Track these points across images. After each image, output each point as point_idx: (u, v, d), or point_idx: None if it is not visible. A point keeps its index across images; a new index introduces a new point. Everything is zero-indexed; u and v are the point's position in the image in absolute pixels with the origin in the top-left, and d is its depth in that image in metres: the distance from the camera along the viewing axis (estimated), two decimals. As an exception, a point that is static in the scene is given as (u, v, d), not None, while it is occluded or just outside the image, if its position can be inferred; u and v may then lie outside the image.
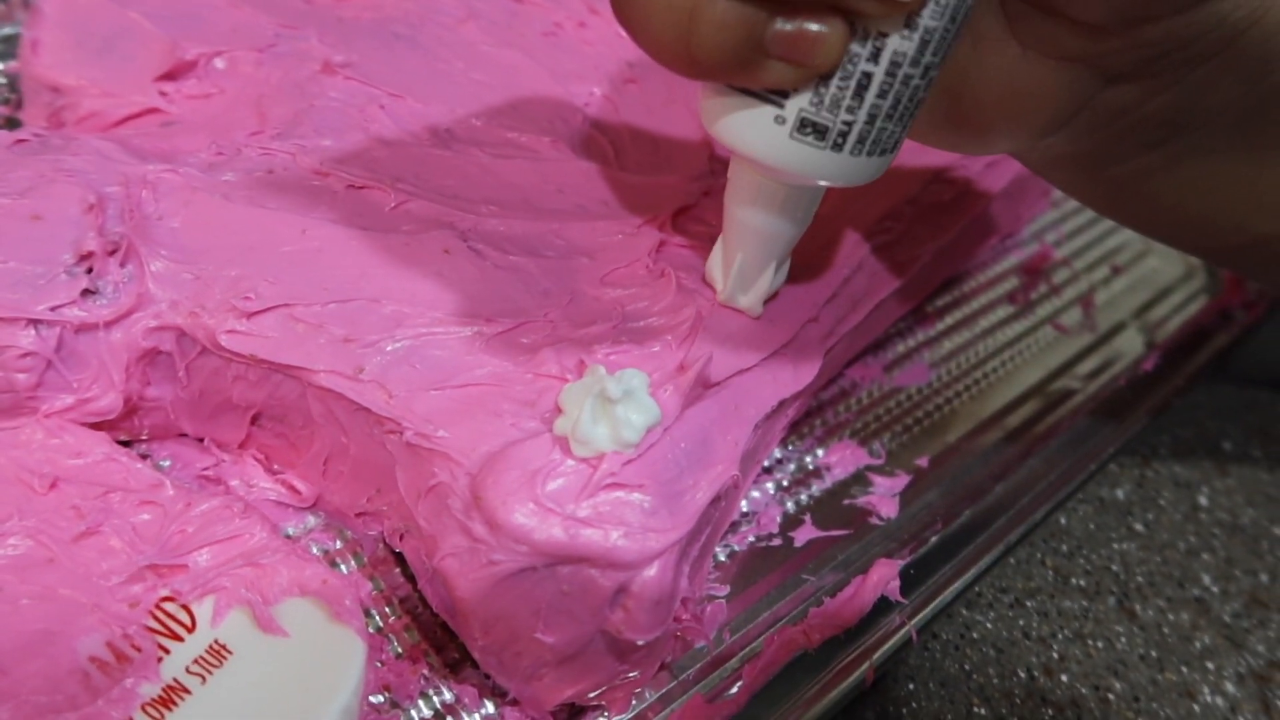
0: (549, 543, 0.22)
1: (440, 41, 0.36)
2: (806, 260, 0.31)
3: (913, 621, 0.28)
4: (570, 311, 0.27)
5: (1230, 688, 0.33)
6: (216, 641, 0.22)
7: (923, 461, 0.35)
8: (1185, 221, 0.27)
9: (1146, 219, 0.28)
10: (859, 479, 0.34)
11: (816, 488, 0.33)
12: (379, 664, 0.25)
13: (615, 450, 0.23)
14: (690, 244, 0.30)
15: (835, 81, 0.20)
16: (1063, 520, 0.38)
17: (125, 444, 0.26)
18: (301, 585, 0.23)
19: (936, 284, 0.41)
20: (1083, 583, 0.36)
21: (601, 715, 0.25)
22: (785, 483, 0.33)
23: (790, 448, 0.34)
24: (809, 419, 0.35)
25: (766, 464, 0.33)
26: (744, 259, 0.26)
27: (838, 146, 0.21)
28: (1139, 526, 0.38)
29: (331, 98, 0.31)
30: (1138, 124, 0.24)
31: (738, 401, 0.27)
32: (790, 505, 0.32)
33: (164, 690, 0.21)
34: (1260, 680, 0.33)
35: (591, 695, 0.25)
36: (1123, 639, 0.34)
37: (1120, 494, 0.39)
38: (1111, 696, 0.32)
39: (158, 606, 0.22)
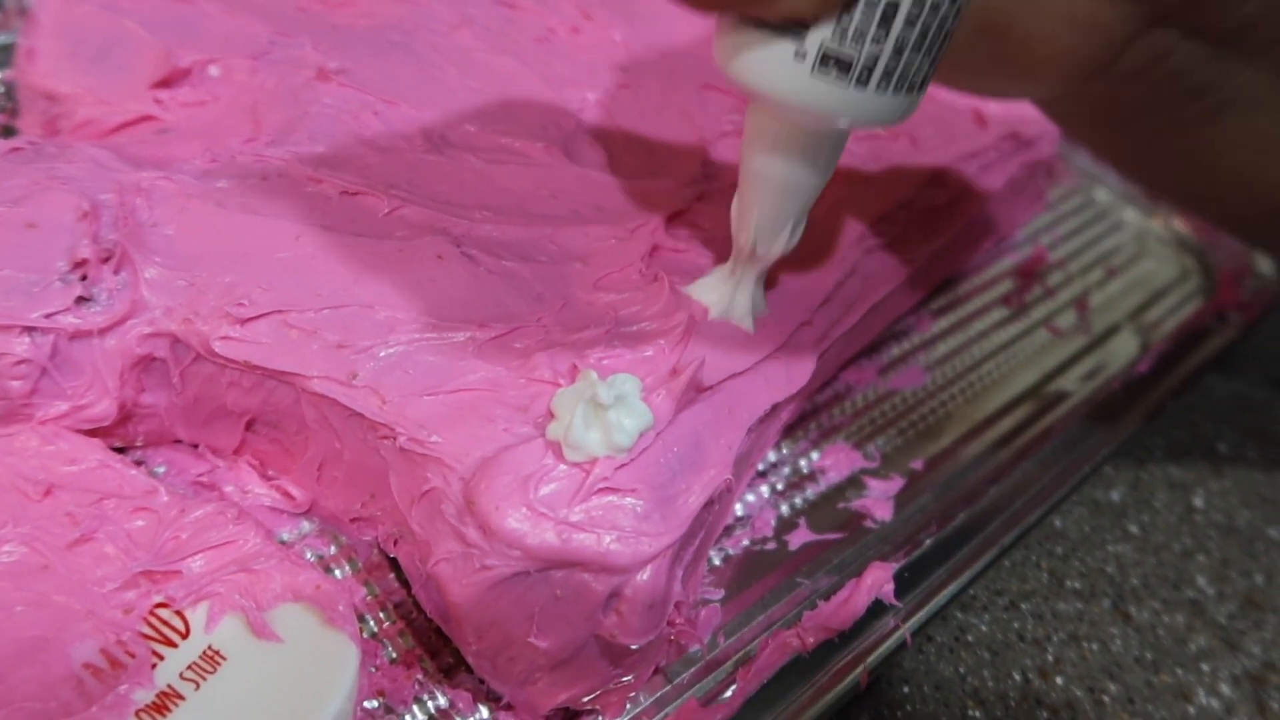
0: (542, 547, 0.22)
1: (434, 48, 0.36)
2: (800, 263, 0.31)
3: (907, 624, 0.28)
4: (563, 316, 0.27)
5: (1225, 689, 0.33)
6: (210, 647, 0.22)
7: (917, 464, 0.35)
8: (1221, 180, 0.26)
9: (1179, 180, 0.27)
10: (854, 482, 0.34)
11: (811, 491, 0.33)
12: (373, 669, 0.25)
13: (608, 455, 0.23)
14: (683, 249, 0.30)
15: (859, 10, 0.19)
16: (1057, 523, 0.38)
17: (120, 450, 0.26)
18: (295, 591, 0.23)
19: (931, 287, 0.41)
20: (1077, 585, 0.36)
21: (595, 719, 0.25)
22: (780, 486, 0.33)
23: (784, 451, 0.34)
24: (803, 422, 0.35)
25: (761, 467, 0.33)
26: (760, 214, 0.25)
27: (862, 82, 0.20)
28: (1134, 529, 0.38)
29: (325, 104, 0.31)
30: (1180, 69, 0.23)
31: (731, 405, 0.27)
32: (785, 509, 0.32)
33: (158, 696, 0.21)
34: (1255, 682, 0.33)
35: (586, 699, 0.25)
36: (1118, 641, 0.34)
37: (1115, 496, 0.39)
38: (1106, 699, 0.32)
39: (152, 613, 0.22)
